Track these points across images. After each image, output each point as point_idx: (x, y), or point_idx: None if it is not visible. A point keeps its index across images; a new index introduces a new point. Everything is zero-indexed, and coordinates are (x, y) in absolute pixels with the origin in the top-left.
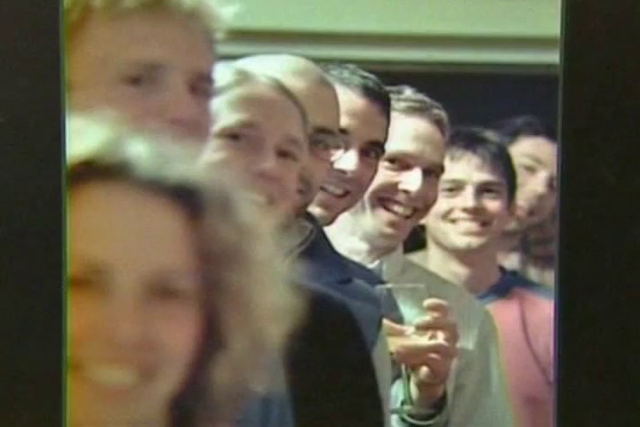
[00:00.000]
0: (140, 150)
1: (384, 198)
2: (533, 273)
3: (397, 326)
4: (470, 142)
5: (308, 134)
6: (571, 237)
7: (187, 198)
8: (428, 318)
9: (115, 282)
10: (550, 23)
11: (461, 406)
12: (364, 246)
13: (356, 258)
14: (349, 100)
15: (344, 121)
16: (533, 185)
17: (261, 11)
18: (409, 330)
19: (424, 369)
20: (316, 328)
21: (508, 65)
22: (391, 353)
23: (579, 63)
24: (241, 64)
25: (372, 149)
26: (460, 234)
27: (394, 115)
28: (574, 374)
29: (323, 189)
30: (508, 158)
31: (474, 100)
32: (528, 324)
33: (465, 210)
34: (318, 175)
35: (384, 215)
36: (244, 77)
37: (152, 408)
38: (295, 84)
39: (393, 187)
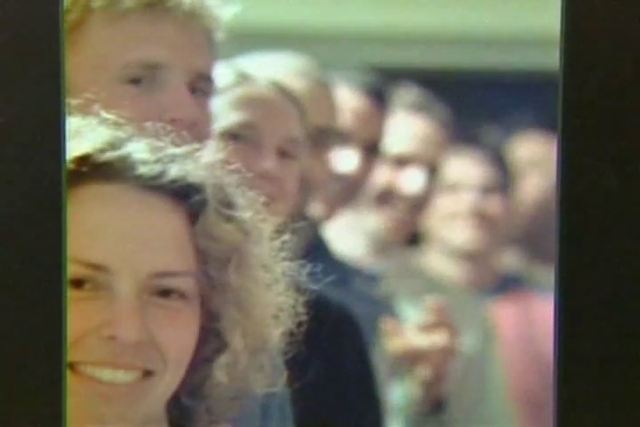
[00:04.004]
0: (140, 150)
1: (384, 198)
2: (533, 273)
3: (397, 326)
4: (470, 142)
5: (308, 134)
6: (571, 237)
7: (187, 198)
8: (428, 318)
9: (114, 282)
10: (550, 23)
11: (461, 406)
12: (364, 246)
13: (356, 258)
14: (349, 100)
15: (344, 121)
16: (533, 185)
17: (261, 11)
18: (409, 330)
19: (424, 369)
20: (315, 328)
21: (508, 65)
22: (391, 353)
23: (579, 63)
24: (241, 64)
25: (372, 149)
26: (460, 234)
27: (394, 115)
28: (574, 374)
29: (323, 188)
30: (507, 158)
31: (474, 100)
32: (528, 324)
33: (465, 210)
34: (318, 175)
35: (384, 215)
36: (243, 78)
37: (152, 408)
38: (295, 84)
39: (393, 187)
